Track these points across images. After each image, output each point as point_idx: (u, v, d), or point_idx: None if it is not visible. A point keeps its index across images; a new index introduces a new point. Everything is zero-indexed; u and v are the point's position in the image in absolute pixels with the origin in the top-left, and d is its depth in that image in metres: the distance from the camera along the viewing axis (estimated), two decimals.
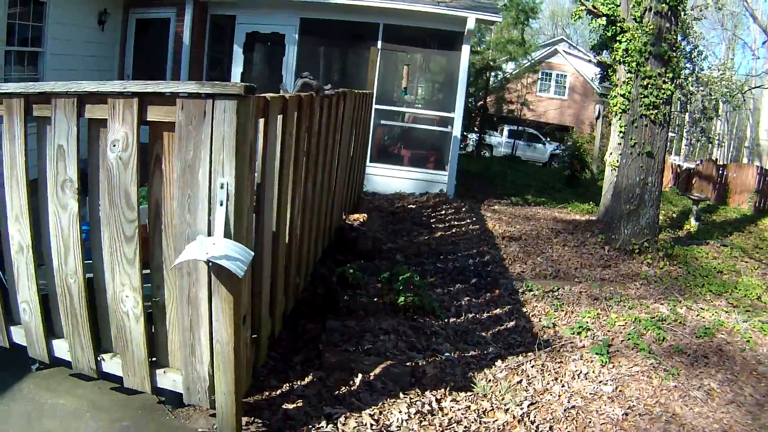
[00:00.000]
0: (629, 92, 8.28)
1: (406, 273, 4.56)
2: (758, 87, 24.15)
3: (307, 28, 10.00)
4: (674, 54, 7.94)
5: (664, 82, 7.65)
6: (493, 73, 20.31)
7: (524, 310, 5.24)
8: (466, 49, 9.87)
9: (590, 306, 5.55)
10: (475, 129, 20.67)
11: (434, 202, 9.42)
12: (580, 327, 4.84)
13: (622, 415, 3.51)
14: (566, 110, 29.22)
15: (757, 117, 28.27)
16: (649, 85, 7.62)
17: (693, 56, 17.88)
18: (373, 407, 2.95)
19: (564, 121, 28.77)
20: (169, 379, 2.46)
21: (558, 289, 5.92)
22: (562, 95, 29.46)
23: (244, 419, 2.55)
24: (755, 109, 32.29)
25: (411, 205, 9.09)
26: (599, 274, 6.77)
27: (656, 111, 7.66)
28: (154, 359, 2.48)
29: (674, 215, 12.72)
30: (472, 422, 3.04)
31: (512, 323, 4.83)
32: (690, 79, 18.01)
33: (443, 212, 8.93)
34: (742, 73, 30.91)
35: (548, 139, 25.45)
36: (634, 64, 7.81)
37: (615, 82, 9.30)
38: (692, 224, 11.39)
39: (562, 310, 5.33)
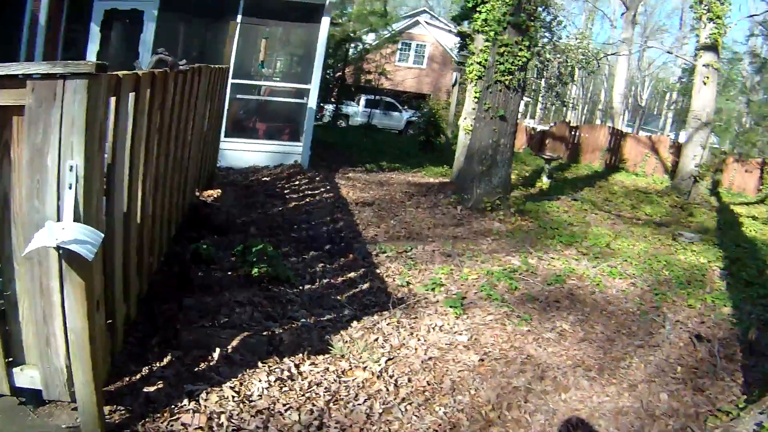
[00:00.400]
0: (486, 60, 10.73)
1: (259, 245, 5.63)
2: (614, 54, 30.84)
3: (167, 5, 11.63)
4: (532, 24, 10.27)
5: (520, 50, 9.91)
6: (353, 45, 25.08)
7: (378, 271, 6.58)
8: (326, 21, 11.85)
9: (443, 263, 7.14)
10: (333, 100, 25.65)
11: (288, 174, 11.09)
12: (434, 283, 6.32)
13: (478, 361, 4.90)
14: (424, 79, 36.75)
15: (612, 82, 36.71)
16: (506, 53, 9.84)
17: (552, 26, 22.34)
18: (233, 379, 3.84)
19: (422, 89, 36.00)
20: (27, 377, 2.91)
21: (411, 249, 7.46)
22: (421, 64, 37.15)
23: (107, 408, 3.19)
24: (610, 74, 41.81)
25: (265, 178, 10.48)
26: (452, 233, 8.56)
27: (511, 77, 9.93)
28: (10, 359, 2.90)
29: (527, 174, 15.75)
30: (332, 383, 4.08)
31: (366, 285, 6.12)
32: (548, 47, 22.43)
33: (297, 183, 10.51)
34: (600, 42, 39.22)
35: (405, 107, 31.28)
36: (492, 33, 10.08)
37: (473, 50, 11.99)
38: (544, 182, 14.40)
39: (416, 269, 6.81)
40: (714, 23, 16.84)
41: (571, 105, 35.97)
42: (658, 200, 15.83)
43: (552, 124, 23.67)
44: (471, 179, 10.17)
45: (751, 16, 25.41)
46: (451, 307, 5.82)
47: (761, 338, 6.58)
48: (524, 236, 8.95)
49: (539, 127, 26.50)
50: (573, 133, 22.22)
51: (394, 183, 11.68)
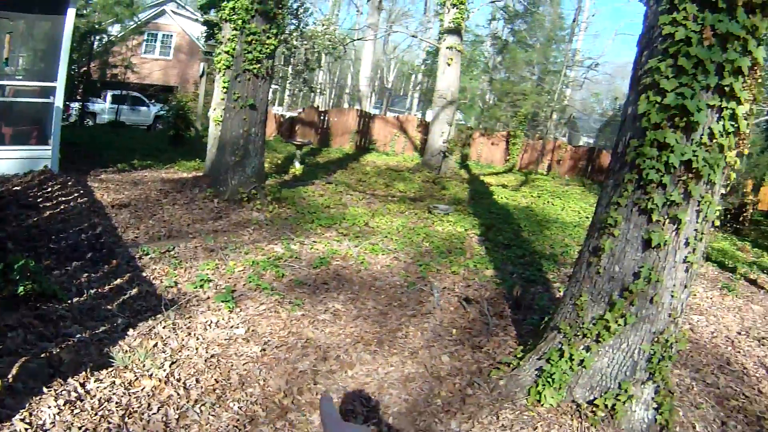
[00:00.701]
0: (234, 49, 10.94)
1: (20, 260, 5.24)
2: (360, 39, 32.56)
3: None
4: (279, 11, 10.56)
5: (268, 37, 10.25)
6: (98, 37, 24.78)
7: (144, 274, 6.46)
8: (71, 12, 10.99)
9: (208, 258, 7.20)
10: (78, 97, 24.86)
11: (40, 180, 10.30)
12: (201, 280, 6.38)
13: (260, 351, 5.11)
14: (171, 71, 36.19)
15: (358, 66, 38.81)
16: (254, 41, 10.10)
17: (299, 13, 23.58)
18: (22, 411, 3.66)
19: (169, 81, 35.52)
20: None
21: (174, 248, 7.39)
22: (168, 56, 36.46)
23: None
24: (356, 59, 44.54)
25: (16, 187, 9.62)
26: (212, 227, 8.61)
27: (259, 65, 10.21)
28: None
29: (280, 162, 16.12)
30: (122, 396, 4.06)
31: (135, 290, 5.99)
32: (294, 34, 23.43)
33: (50, 190, 9.80)
34: (347, 27, 41.12)
35: (153, 101, 30.25)
36: (240, 22, 10.20)
37: (220, 39, 12.18)
38: (297, 168, 14.84)
39: (182, 268, 6.79)
40: (457, 8, 18.67)
41: (318, 90, 37.44)
42: (411, 177, 17.05)
43: (300, 110, 24.33)
44: (225, 171, 10.27)
45: (493, 1, 28.30)
46: (222, 301, 5.93)
47: (525, 294, 7.55)
48: (284, 223, 9.27)
49: (288, 114, 27.12)
50: (322, 117, 23.09)
51: (148, 181, 11.44)
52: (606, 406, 4.76)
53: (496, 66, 30.81)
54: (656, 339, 4.77)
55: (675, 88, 4.29)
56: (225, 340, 5.24)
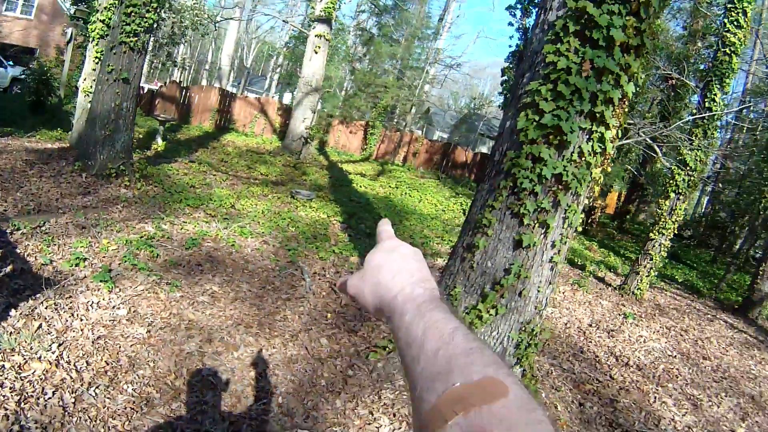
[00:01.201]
0: (110, 18, 10.24)
1: None
2: (230, 19, 31.44)
3: None
4: None
5: (148, 11, 9.69)
6: None
7: (18, 251, 6.08)
8: None
9: (80, 236, 6.90)
10: None
11: None
12: (77, 258, 6.12)
13: (146, 333, 5.04)
14: (32, 31, 32.96)
15: (220, 43, 37.53)
16: (133, 14, 9.53)
17: None
18: None
19: (29, 42, 32.47)
20: None
21: (45, 223, 6.99)
22: (29, 15, 33.13)
23: None
24: (218, 36, 42.91)
25: None
26: (81, 202, 8.21)
27: (136, 39, 9.68)
28: None
29: (141, 136, 15.43)
30: (14, 381, 3.89)
31: (9, 268, 5.64)
32: (166, 5, 21.90)
33: None
34: (212, 3, 39.83)
35: (11, 63, 27.45)
36: None
37: (96, 7, 11.30)
38: (160, 144, 14.37)
39: (55, 245, 6.47)
40: None
41: (181, 65, 36.01)
42: (272, 160, 16.98)
43: (162, 84, 23.41)
44: (94, 144, 9.77)
45: None
46: (101, 281, 5.75)
47: None
48: (152, 201, 9.03)
49: (148, 87, 25.98)
50: (184, 93, 22.35)
51: (12, 150, 10.56)
52: None
53: (360, 57, 31.13)
54: (523, 328, 5.19)
55: (552, 110, 4.68)
56: (109, 321, 5.10)
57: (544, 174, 4.76)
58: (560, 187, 4.84)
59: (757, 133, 27.92)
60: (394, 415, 4.78)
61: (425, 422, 0.59)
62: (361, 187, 16.29)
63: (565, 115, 4.65)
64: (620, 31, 4.51)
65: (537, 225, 4.93)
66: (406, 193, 17.60)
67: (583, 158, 4.82)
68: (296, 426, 4.35)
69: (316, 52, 18.89)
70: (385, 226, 0.99)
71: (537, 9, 5.37)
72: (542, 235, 4.98)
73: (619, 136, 5.31)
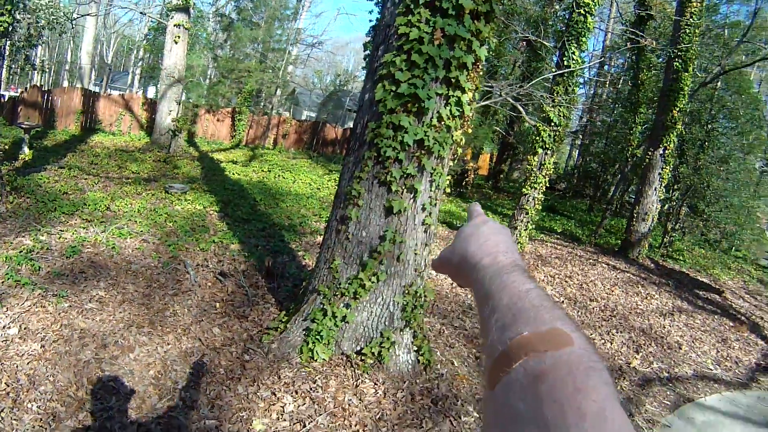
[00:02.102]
0: None
1: None
2: (87, 15, 29.81)
3: None
4: None
5: (2, 14, 9.22)
6: None
7: None
8: None
9: None
10: None
11: None
12: None
13: (41, 348, 5.05)
14: None
15: (78, 41, 35.76)
16: None
17: None
18: None
19: None
20: None
21: None
22: None
23: None
24: (76, 33, 40.79)
25: None
26: None
27: None
28: None
29: (7, 147, 14.78)
30: None
31: None
32: (20, 6, 20.65)
33: None
34: (68, 1, 37.78)
35: None
36: None
37: None
38: (27, 153, 13.82)
39: None
40: None
41: (41, 68, 34.25)
42: (142, 157, 16.66)
43: (23, 90, 22.30)
44: None
45: None
46: None
47: (275, 264, 8.04)
48: (27, 214, 8.81)
49: (8, 94, 24.59)
50: (46, 97, 21.40)
51: None
52: (373, 353, 5.47)
53: (221, 43, 30.66)
54: (407, 291, 5.54)
55: (408, 79, 4.99)
56: (1, 341, 5.09)
57: (406, 141, 5.08)
58: (423, 152, 5.19)
59: (619, 86, 29.57)
60: (296, 392, 5.04)
61: (494, 367, 0.65)
62: (234, 174, 16.29)
63: (420, 83, 4.97)
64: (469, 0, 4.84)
65: (405, 191, 5.27)
66: (279, 176, 17.72)
67: (443, 123, 5.18)
68: (203, 418, 4.52)
69: (176, 42, 18.57)
70: (475, 207, 1.10)
71: None
72: (411, 200, 5.32)
73: (477, 98, 5.69)
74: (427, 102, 5.01)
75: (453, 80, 5.06)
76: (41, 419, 4.11)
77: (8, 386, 4.44)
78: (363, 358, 5.50)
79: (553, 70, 13.27)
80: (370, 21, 5.99)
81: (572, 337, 0.62)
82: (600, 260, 14.74)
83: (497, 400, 0.62)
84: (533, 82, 12.97)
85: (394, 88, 5.06)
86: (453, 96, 5.14)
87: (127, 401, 4.54)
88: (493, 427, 0.63)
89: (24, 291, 6.12)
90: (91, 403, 4.41)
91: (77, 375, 4.76)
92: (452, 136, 5.33)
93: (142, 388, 4.77)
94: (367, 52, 5.86)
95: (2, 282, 6.28)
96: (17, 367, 4.73)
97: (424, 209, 5.43)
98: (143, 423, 4.29)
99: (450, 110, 5.17)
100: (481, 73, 5.51)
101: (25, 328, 5.40)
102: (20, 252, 7.15)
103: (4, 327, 5.36)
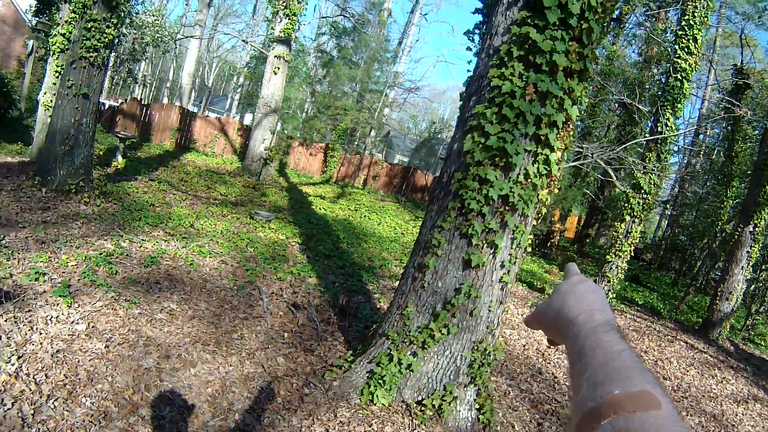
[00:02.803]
0: (70, 32, 10.22)
1: None
2: (191, 37, 31.34)
3: None
4: (122, 1, 10.13)
5: (108, 26, 9.84)
6: None
7: None
8: None
9: (40, 250, 7.00)
10: None
11: None
12: (36, 273, 6.23)
13: (104, 348, 5.16)
14: None
15: (181, 61, 37.44)
16: (93, 29, 9.65)
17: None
18: None
19: None
20: None
21: (3, 237, 7.09)
22: None
23: None
24: (180, 53, 42.86)
25: None
26: (41, 217, 8.29)
27: (96, 54, 9.81)
28: None
29: (102, 153, 15.49)
30: None
31: None
32: (127, 21, 22.05)
33: None
34: (174, 19, 39.85)
35: None
36: (80, 6, 9.61)
37: (57, 20, 11.42)
38: (120, 161, 14.41)
39: (15, 258, 6.57)
40: (289, 19, 18.73)
41: (142, 82, 35.88)
42: (231, 180, 17.09)
43: (123, 101, 23.30)
44: (54, 160, 9.84)
45: (324, 17, 28.98)
46: (60, 296, 5.86)
47: (349, 303, 8.04)
48: (112, 219, 9.13)
49: (108, 103, 25.87)
50: (144, 111, 22.30)
51: None
52: (434, 405, 5.36)
53: (320, 79, 31.36)
54: (476, 347, 5.43)
55: (498, 133, 4.94)
56: (68, 335, 5.22)
57: (491, 195, 5.02)
58: (507, 208, 5.11)
59: (713, 157, 28.73)
60: None
61: (582, 422, 0.67)
62: (320, 209, 16.49)
63: (510, 137, 4.92)
64: (563, 56, 4.78)
65: (485, 245, 5.18)
66: (365, 216, 17.85)
67: (529, 180, 5.10)
68: None
69: (276, 73, 19.04)
70: (573, 266, 1.12)
71: (483, 35, 5.65)
72: (491, 255, 5.23)
73: (566, 158, 5.61)
74: (515, 157, 4.95)
75: (542, 137, 5.00)
76: (92, 415, 4.16)
77: (66, 378, 4.53)
78: (423, 409, 5.38)
79: (647, 135, 13.02)
80: (468, 71, 5.97)
81: (661, 401, 0.63)
82: (678, 338, 14.17)
83: None
84: (625, 145, 12.77)
85: (483, 140, 5.02)
86: (541, 154, 5.07)
87: (181, 414, 4.57)
88: None
89: (98, 291, 6.29)
90: (144, 409, 4.45)
91: (135, 380, 4.81)
92: (538, 194, 5.24)
93: (198, 403, 4.79)
94: (461, 102, 5.85)
95: (79, 279, 6.48)
96: (78, 362, 4.83)
97: (502, 266, 5.33)
98: None
99: (537, 168, 5.09)
100: (571, 133, 5.42)
101: (92, 327, 5.53)
102: (100, 254, 7.38)
103: (72, 322, 5.49)
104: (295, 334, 6.76)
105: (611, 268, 12.61)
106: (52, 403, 4.15)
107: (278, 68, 19.01)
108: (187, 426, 4.45)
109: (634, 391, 0.65)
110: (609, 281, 12.59)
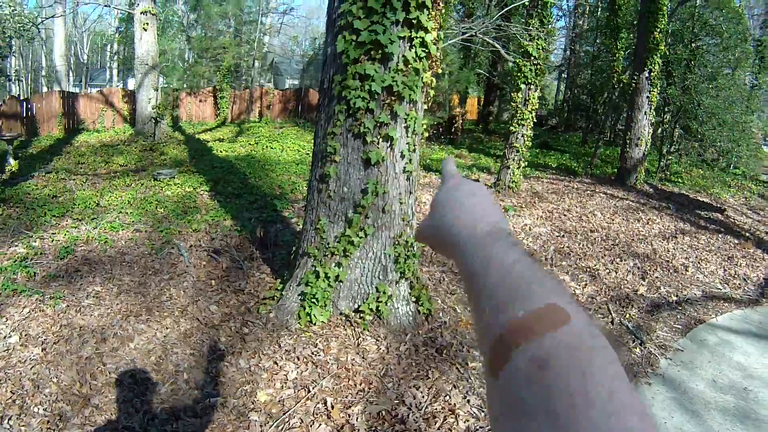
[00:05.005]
0: None
1: None
2: (52, 17, 29.08)
3: None
4: None
5: None
6: None
7: None
8: None
9: None
10: None
11: None
12: None
13: (42, 352, 4.98)
14: None
15: (51, 45, 35.44)
16: None
17: None
18: None
19: None
20: None
21: None
22: None
23: None
24: (47, 37, 40.30)
25: None
26: None
27: None
28: None
29: None
30: None
31: None
32: None
33: None
34: (33, 5, 36.89)
35: None
36: None
37: None
38: (12, 164, 13.65)
39: None
40: None
41: (16, 78, 33.90)
42: (127, 149, 16.50)
43: (1, 103, 22.07)
44: None
45: None
46: None
47: (268, 233, 7.96)
48: (17, 223, 8.70)
49: None
50: (25, 106, 21.21)
51: None
52: (371, 309, 5.39)
53: (192, 23, 30.22)
54: (397, 242, 5.44)
55: (368, 27, 4.82)
56: (3, 351, 5.01)
57: (374, 89, 4.93)
58: (393, 98, 5.04)
59: (597, 14, 29.17)
60: (298, 359, 4.98)
61: (493, 354, 0.61)
62: (221, 152, 16.15)
63: (381, 28, 4.81)
64: None
65: (381, 140, 5.13)
66: (267, 147, 17.58)
67: (410, 66, 5.02)
68: (207, 396, 4.47)
69: (146, 29, 18.25)
70: (448, 166, 1.00)
71: None
72: (388, 149, 5.19)
73: (442, 37, 5.54)
74: (390, 47, 4.86)
75: (414, 21, 4.90)
76: (49, 421, 4.07)
77: (14, 394, 4.39)
78: (362, 315, 5.42)
79: (526, 3, 13.04)
80: None
81: (569, 313, 0.58)
82: (597, 190, 14.63)
83: (502, 390, 0.58)
84: (501, 13, 12.77)
85: (354, 38, 4.90)
86: (416, 37, 4.98)
87: (132, 390, 4.49)
88: (501, 418, 0.58)
89: (21, 299, 6.04)
90: (97, 398, 4.36)
91: (80, 372, 4.69)
92: (421, 78, 5.17)
93: (145, 375, 4.71)
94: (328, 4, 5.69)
95: None
96: (21, 374, 4.67)
97: (403, 157, 5.30)
98: (148, 410, 4.24)
99: (415, 52, 5.01)
100: (443, 10, 5.34)
101: (25, 335, 5.32)
102: (14, 261, 7.05)
103: (5, 337, 5.28)
104: (222, 279, 6.68)
105: (517, 138, 12.77)
106: (7, 422, 4.03)
107: (147, 24, 18.20)
108: (141, 400, 4.38)
109: (538, 308, 0.59)
110: (518, 150, 12.78)
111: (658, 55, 15.73)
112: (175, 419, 4.21)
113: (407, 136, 5.27)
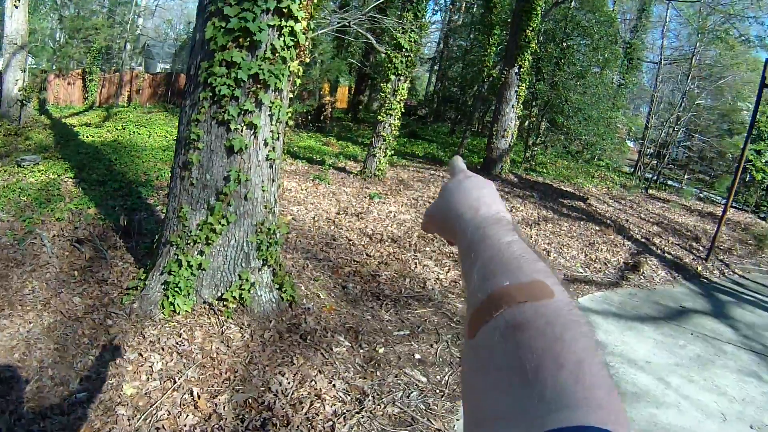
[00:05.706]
0: None
1: None
2: None
3: None
4: None
5: None
6: None
7: None
8: None
9: None
10: None
11: None
12: None
13: None
14: None
15: None
16: None
17: None
18: None
19: None
20: None
21: None
22: None
23: None
24: None
25: None
26: None
27: None
28: None
29: None
30: None
31: None
32: None
33: None
34: None
35: None
36: None
37: None
38: None
39: None
40: None
41: None
42: None
43: None
44: None
45: None
46: None
47: (131, 222, 7.69)
48: None
49: None
50: None
51: None
52: (234, 297, 5.32)
53: (66, 2, 28.66)
54: (259, 229, 5.39)
55: (238, 14, 4.76)
56: None
57: (240, 77, 4.86)
58: (259, 86, 4.98)
59: (473, 11, 29.89)
60: (163, 349, 4.82)
61: (474, 316, 0.64)
62: (87, 137, 15.38)
63: (251, 15, 4.75)
64: None
65: (245, 127, 5.07)
66: (134, 132, 16.91)
67: (277, 55, 4.98)
68: (73, 392, 4.26)
69: (16, 6, 17.09)
70: (457, 162, 1.06)
71: None
72: (252, 137, 5.12)
73: (312, 27, 5.52)
74: (259, 35, 4.80)
75: (285, 10, 4.87)
76: None
77: None
78: (225, 303, 5.34)
79: None
80: None
81: (554, 290, 0.61)
82: None
83: (476, 348, 0.62)
84: (375, 4, 12.87)
85: (224, 24, 4.81)
86: (286, 26, 4.94)
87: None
88: (472, 375, 0.62)
89: None
90: None
91: None
92: (288, 67, 5.14)
93: (9, 374, 4.42)
94: None
95: None
96: None
97: (266, 144, 5.24)
98: (13, 410, 3.99)
99: (284, 41, 4.98)
100: (315, 1, 5.33)
101: None
102: None
103: None
104: (86, 270, 6.36)
105: (384, 127, 12.95)
106: None
107: (18, 1, 17.11)
108: (5, 400, 4.11)
109: (525, 281, 0.63)
110: (385, 139, 12.96)
111: (529, 52, 16.33)
112: (42, 418, 3.98)
113: (271, 124, 5.22)
